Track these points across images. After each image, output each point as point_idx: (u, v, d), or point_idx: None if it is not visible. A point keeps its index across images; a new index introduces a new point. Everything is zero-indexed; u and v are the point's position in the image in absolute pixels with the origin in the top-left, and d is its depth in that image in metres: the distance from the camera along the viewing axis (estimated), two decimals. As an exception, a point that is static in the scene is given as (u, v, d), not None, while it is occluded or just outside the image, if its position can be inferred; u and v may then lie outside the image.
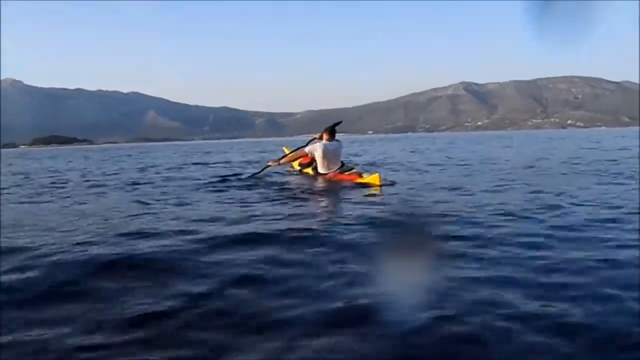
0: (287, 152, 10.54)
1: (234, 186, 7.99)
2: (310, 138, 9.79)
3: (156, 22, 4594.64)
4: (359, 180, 8.16)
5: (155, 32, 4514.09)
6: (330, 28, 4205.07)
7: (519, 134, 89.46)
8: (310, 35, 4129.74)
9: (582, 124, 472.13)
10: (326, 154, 8.74)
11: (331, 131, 8.90)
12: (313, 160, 9.08)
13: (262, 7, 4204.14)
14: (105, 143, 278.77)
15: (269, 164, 9.57)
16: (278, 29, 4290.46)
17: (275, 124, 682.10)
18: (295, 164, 10.12)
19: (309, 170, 9.43)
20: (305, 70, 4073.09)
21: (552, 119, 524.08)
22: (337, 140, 8.99)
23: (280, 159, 9.58)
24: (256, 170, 9.86)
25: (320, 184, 8.28)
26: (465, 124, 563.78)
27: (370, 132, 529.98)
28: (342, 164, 8.95)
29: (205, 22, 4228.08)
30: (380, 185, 7.70)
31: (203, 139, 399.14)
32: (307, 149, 8.99)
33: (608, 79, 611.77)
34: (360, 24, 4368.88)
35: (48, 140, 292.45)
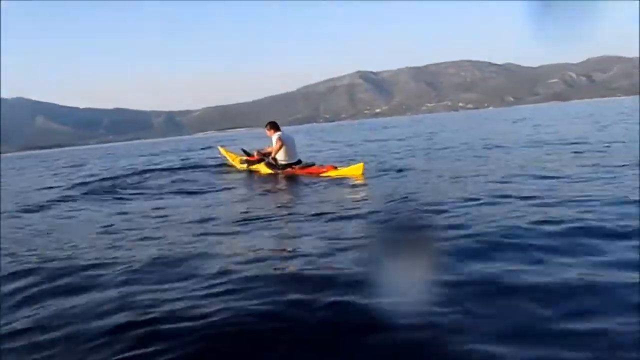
0: (222, 151, 11.13)
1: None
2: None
3: (35, 20, 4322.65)
4: (336, 172, 7.93)
5: (37, 32, 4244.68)
6: (221, 26, 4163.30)
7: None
8: (200, 30, 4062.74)
9: (472, 106, 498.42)
10: (285, 142, 9.00)
11: (273, 124, 9.34)
12: (265, 155, 9.24)
13: None
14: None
15: (255, 154, 9.81)
16: (161, 21, 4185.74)
17: (174, 122, 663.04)
18: (237, 162, 9.97)
19: (260, 167, 9.27)
20: (200, 66, 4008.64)
21: (445, 102, 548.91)
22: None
23: (259, 151, 9.69)
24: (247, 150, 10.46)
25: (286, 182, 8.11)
26: (365, 111, 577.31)
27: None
28: (299, 160, 8.92)
29: (84, 17, 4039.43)
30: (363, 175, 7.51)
31: (99, 143, 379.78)
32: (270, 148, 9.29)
33: (493, 61, 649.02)
34: (248, 17, 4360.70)
35: None
